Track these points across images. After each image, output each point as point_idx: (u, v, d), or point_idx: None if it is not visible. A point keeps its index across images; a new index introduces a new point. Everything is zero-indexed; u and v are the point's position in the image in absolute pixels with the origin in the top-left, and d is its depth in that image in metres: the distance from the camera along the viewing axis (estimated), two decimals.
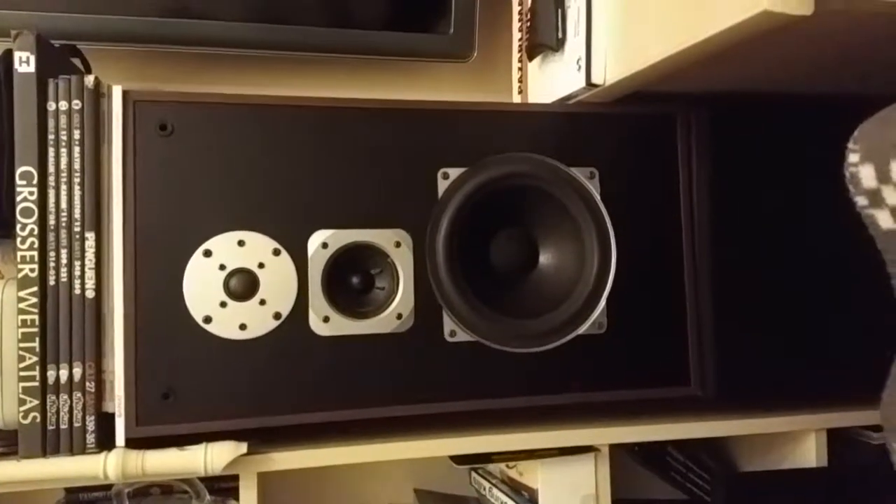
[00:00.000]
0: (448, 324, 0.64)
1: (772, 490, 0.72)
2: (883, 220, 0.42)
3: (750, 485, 0.74)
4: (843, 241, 0.64)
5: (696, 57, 0.56)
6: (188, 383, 0.59)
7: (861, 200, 0.42)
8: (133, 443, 0.58)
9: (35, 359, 0.57)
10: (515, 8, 0.79)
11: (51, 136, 0.58)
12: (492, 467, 0.77)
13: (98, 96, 0.60)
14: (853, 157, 0.42)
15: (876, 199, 0.41)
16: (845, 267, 0.70)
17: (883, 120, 0.43)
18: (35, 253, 0.57)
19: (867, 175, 0.42)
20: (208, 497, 0.64)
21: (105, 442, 0.59)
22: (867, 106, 0.44)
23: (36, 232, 0.57)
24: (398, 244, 0.63)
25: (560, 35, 0.69)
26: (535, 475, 0.69)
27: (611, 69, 0.64)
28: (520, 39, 0.79)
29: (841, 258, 0.70)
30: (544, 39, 0.70)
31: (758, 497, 0.72)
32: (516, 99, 0.80)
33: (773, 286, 0.70)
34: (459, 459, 0.67)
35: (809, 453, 0.73)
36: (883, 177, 0.41)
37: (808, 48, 0.57)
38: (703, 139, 0.69)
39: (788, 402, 0.73)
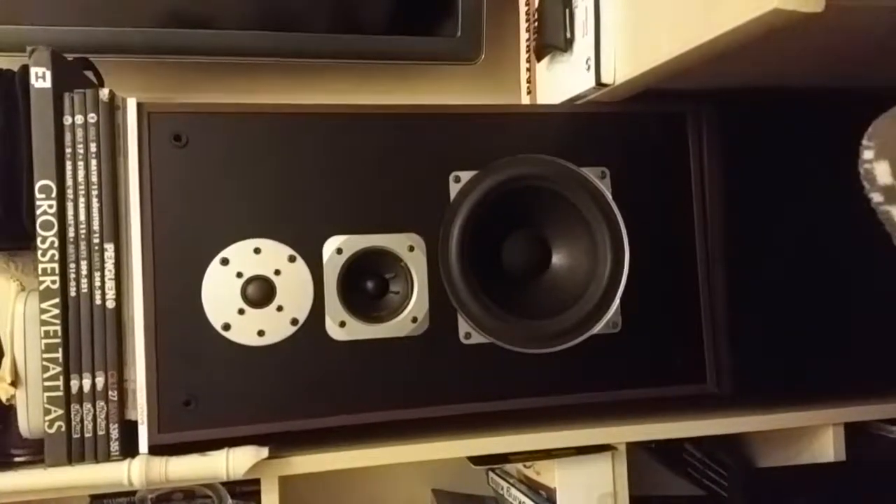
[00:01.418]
0: (463, 326, 0.64)
1: (789, 485, 0.72)
2: None
3: (767, 480, 0.74)
4: (858, 236, 0.63)
5: (707, 55, 0.56)
6: (209, 390, 0.60)
7: (876, 197, 0.42)
8: (156, 449, 0.59)
9: (58, 369, 0.58)
10: (522, 9, 0.79)
11: (68, 150, 0.59)
12: (509, 467, 0.77)
13: (113, 109, 0.60)
14: (867, 154, 0.42)
15: (891, 195, 0.41)
16: (860, 262, 0.70)
17: None
18: (56, 265, 0.58)
19: (882, 172, 0.42)
20: (230, 501, 0.65)
21: (128, 449, 0.60)
22: (879, 101, 0.44)
23: (56, 244, 0.58)
24: (411, 248, 0.64)
25: (568, 35, 0.69)
26: (552, 474, 0.69)
27: (620, 68, 0.64)
28: (527, 40, 0.79)
29: (855, 253, 0.69)
30: (552, 40, 0.70)
31: (775, 493, 0.72)
32: (525, 100, 0.80)
33: (787, 281, 0.70)
34: (477, 460, 0.67)
35: (827, 448, 0.73)
36: None
37: (820, 44, 0.57)
38: (713, 136, 0.69)
39: (805, 396, 0.73)
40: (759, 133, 0.70)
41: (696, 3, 0.53)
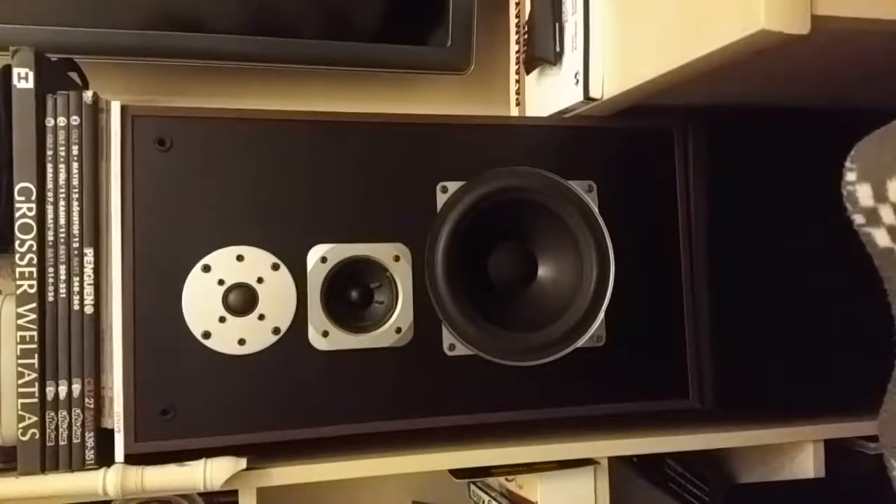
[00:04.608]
0: (447, 337, 0.64)
1: (769, 501, 0.72)
2: (880, 238, 0.42)
3: (747, 496, 0.75)
4: (841, 255, 0.64)
5: (694, 73, 0.56)
6: (187, 399, 0.59)
7: (858, 218, 0.43)
8: (132, 458, 0.58)
9: (34, 375, 0.57)
10: (513, 21, 0.79)
11: (49, 152, 0.58)
12: (491, 481, 0.77)
13: (96, 111, 0.60)
14: (850, 176, 0.43)
15: (873, 217, 0.42)
16: (842, 280, 0.70)
17: (879, 139, 0.43)
18: (34, 269, 0.57)
19: (864, 194, 0.42)
20: None
21: (104, 458, 0.58)
22: (864, 121, 0.44)
23: (35, 248, 0.57)
24: (397, 258, 0.63)
25: (558, 49, 0.69)
26: (534, 488, 0.69)
27: (608, 83, 0.64)
28: (517, 52, 0.79)
29: (838, 271, 0.70)
30: (542, 53, 0.70)
31: None
32: (514, 112, 0.80)
33: (770, 299, 0.70)
34: (459, 473, 0.67)
35: (807, 464, 0.73)
36: (879, 196, 0.41)
37: (806, 65, 0.57)
38: (700, 152, 0.70)
39: (786, 413, 0.73)
40: (745, 151, 0.71)
41: (685, 22, 0.54)
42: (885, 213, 0.41)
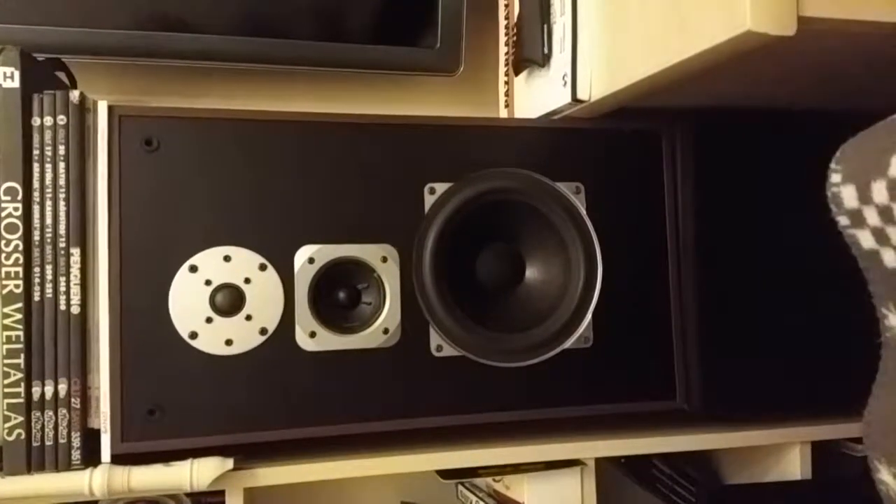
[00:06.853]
0: (434, 338, 0.64)
1: (756, 503, 0.72)
2: (864, 240, 0.42)
3: (734, 497, 0.75)
4: (827, 257, 0.64)
5: (681, 74, 0.56)
6: (174, 399, 0.59)
7: (843, 220, 0.43)
8: (119, 459, 0.58)
9: (20, 375, 0.57)
10: (502, 22, 0.79)
11: (35, 152, 0.58)
12: (478, 481, 0.77)
13: (83, 111, 0.59)
14: (835, 178, 0.43)
15: (857, 219, 0.42)
16: (829, 281, 0.70)
17: (864, 140, 0.43)
18: (20, 269, 0.57)
19: (849, 195, 0.42)
20: None
21: (90, 458, 0.58)
22: (851, 122, 0.44)
23: (21, 248, 0.57)
24: (385, 259, 0.63)
25: (546, 50, 0.69)
26: (521, 489, 0.69)
27: (596, 85, 0.64)
28: (506, 54, 0.79)
29: (827, 274, 0.70)
30: (530, 54, 0.70)
31: None
32: (503, 113, 0.80)
33: (758, 300, 0.70)
34: (446, 474, 0.67)
35: (794, 466, 0.74)
36: (864, 197, 0.41)
37: (792, 66, 0.58)
38: (687, 154, 0.70)
39: (773, 415, 0.74)
40: (733, 153, 0.71)
41: (671, 24, 0.54)
42: (870, 214, 0.41)
